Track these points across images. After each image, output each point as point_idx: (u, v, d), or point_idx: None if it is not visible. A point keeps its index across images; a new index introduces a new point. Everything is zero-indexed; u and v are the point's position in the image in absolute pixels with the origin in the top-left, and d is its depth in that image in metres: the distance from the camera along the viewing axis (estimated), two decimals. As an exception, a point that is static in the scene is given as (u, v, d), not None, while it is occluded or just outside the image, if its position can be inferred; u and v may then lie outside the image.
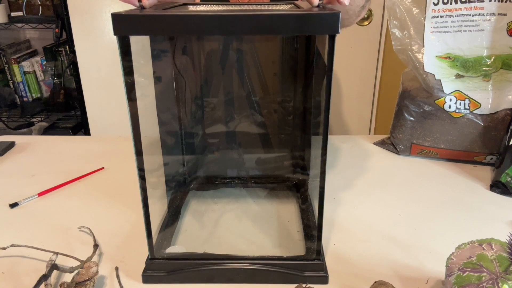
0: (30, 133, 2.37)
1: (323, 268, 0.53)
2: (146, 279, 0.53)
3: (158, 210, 0.64)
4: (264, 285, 0.52)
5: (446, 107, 0.81)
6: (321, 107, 0.47)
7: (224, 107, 0.71)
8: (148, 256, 0.54)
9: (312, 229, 0.60)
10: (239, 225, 0.64)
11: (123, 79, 0.44)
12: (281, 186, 0.74)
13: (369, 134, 1.96)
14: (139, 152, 0.48)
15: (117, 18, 0.40)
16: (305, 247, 0.57)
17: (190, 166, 0.75)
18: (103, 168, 0.85)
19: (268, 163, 0.75)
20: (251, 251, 0.56)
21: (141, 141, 0.48)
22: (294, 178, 0.74)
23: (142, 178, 0.50)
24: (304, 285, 0.48)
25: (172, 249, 0.57)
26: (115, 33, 0.41)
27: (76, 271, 0.52)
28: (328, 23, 0.40)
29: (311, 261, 0.53)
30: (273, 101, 0.72)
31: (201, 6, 0.57)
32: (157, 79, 0.63)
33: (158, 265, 0.53)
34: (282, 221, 0.65)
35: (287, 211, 0.67)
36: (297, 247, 0.59)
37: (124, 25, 0.41)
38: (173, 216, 0.65)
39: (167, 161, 0.67)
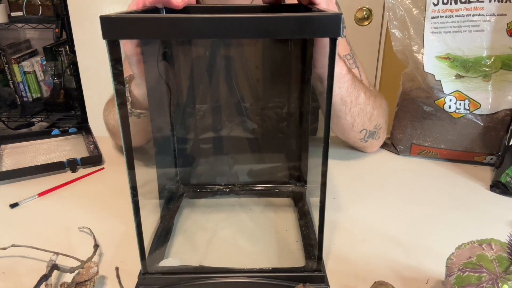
0: (30, 133, 2.37)
1: (324, 280, 0.51)
2: None
3: (151, 220, 0.62)
4: (263, 299, 0.51)
5: (446, 107, 0.81)
6: (323, 112, 0.46)
7: (218, 114, 0.69)
8: (140, 270, 0.51)
9: (312, 238, 0.58)
10: (235, 236, 0.62)
11: (112, 84, 0.42)
12: (278, 193, 0.72)
13: (369, 134, 1.96)
14: (130, 166, 0.46)
15: (106, 21, 0.38)
16: (305, 259, 0.55)
17: (183, 174, 0.73)
18: (103, 168, 0.85)
19: (264, 170, 0.73)
20: (249, 263, 0.54)
21: (133, 150, 0.45)
22: (291, 186, 0.73)
23: (134, 192, 0.47)
24: (304, 285, 0.48)
25: (166, 262, 0.55)
26: (104, 37, 0.39)
27: (76, 271, 0.52)
28: (329, 26, 0.39)
29: (312, 272, 0.51)
30: (268, 107, 0.70)
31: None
32: (148, 85, 0.61)
33: (151, 280, 0.51)
34: (280, 230, 0.63)
35: (284, 219, 0.66)
36: (296, 257, 0.57)
37: (114, 29, 0.39)
38: (166, 226, 0.62)
39: (159, 169, 0.65)
